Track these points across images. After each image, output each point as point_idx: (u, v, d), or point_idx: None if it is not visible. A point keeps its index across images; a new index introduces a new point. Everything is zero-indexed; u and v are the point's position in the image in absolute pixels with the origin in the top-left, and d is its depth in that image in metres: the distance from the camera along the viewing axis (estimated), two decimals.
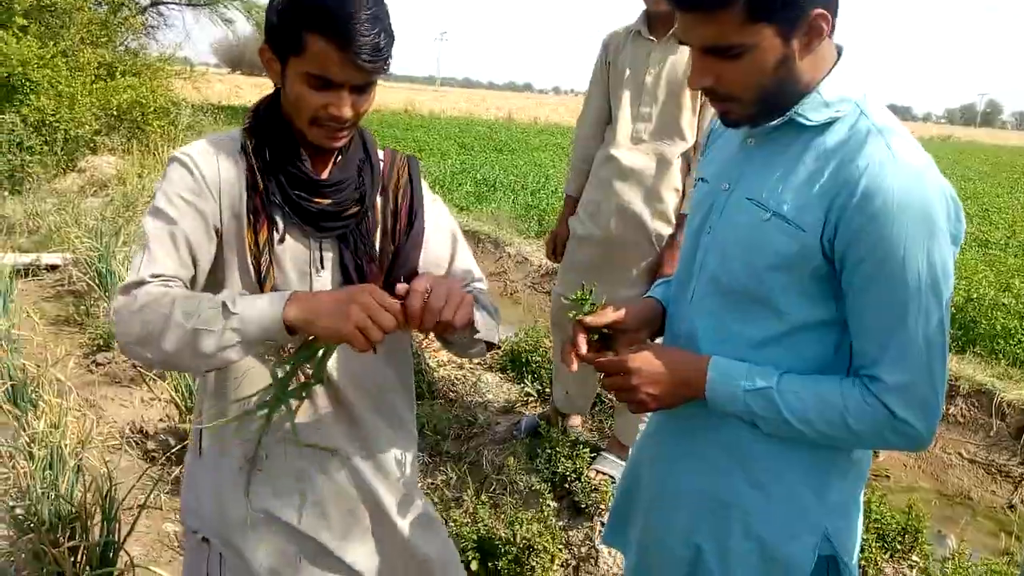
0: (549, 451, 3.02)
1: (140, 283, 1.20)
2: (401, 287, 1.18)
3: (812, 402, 1.16)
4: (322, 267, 1.35)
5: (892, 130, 1.13)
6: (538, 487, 2.85)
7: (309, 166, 1.32)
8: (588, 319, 1.28)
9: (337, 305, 1.13)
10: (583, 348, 1.27)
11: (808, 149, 1.16)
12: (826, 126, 1.16)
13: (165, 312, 1.15)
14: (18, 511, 2.39)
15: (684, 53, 2.64)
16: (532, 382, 3.79)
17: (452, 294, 1.19)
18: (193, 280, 1.29)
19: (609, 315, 1.29)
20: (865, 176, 1.08)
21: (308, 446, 1.38)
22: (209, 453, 1.43)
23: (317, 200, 1.31)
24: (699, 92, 2.65)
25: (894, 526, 2.81)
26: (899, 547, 2.79)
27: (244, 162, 1.31)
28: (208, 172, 1.29)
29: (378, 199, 1.42)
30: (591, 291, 1.24)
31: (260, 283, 1.30)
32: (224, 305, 1.14)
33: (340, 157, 1.37)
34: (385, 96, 34.90)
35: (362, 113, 1.29)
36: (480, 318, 1.33)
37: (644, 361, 1.23)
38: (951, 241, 1.11)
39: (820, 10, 1.09)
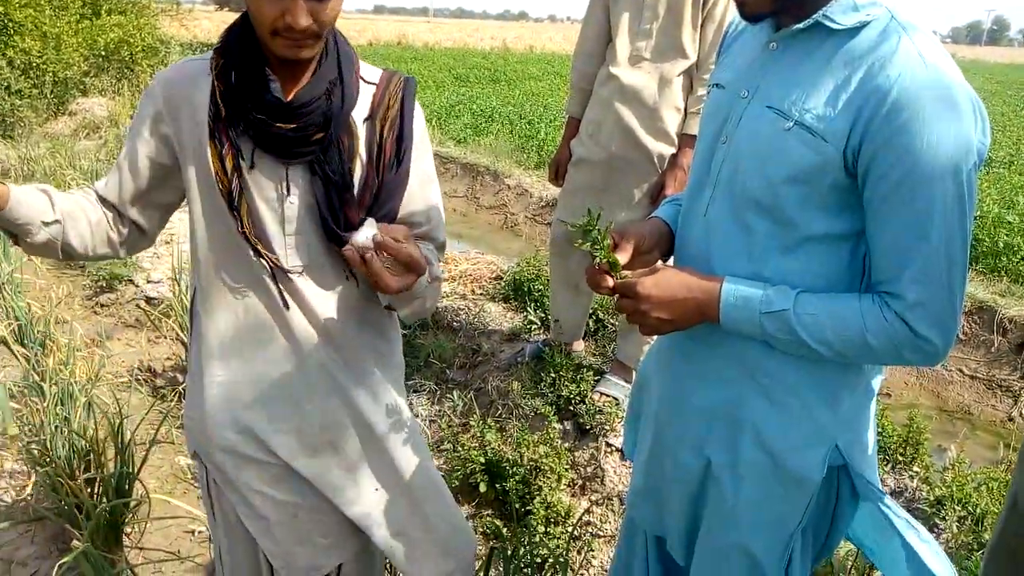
0: (553, 375, 3.05)
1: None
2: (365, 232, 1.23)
3: (830, 322, 1.13)
4: (288, 193, 1.31)
5: (924, 38, 1.07)
6: (543, 410, 2.89)
7: (278, 89, 1.27)
8: (617, 260, 1.23)
9: None
10: (610, 283, 1.23)
11: (835, 55, 1.11)
12: (855, 30, 1.10)
13: None
14: (33, 446, 2.43)
15: None
16: (535, 310, 3.80)
17: (408, 263, 1.22)
18: (136, 200, 1.39)
19: (628, 251, 1.26)
20: (896, 86, 1.03)
21: None
22: (193, 370, 1.44)
23: (280, 124, 1.26)
24: (700, 7, 2.58)
25: (895, 439, 2.86)
26: (900, 459, 2.85)
27: (210, 84, 1.28)
28: (167, 96, 1.30)
29: (362, 126, 1.35)
30: (597, 217, 1.21)
31: (233, 210, 1.29)
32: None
33: (312, 77, 1.29)
34: (377, 29, 34.14)
35: (325, 22, 1.21)
36: (418, 288, 1.33)
37: (655, 285, 1.20)
38: (977, 156, 1.07)
39: None
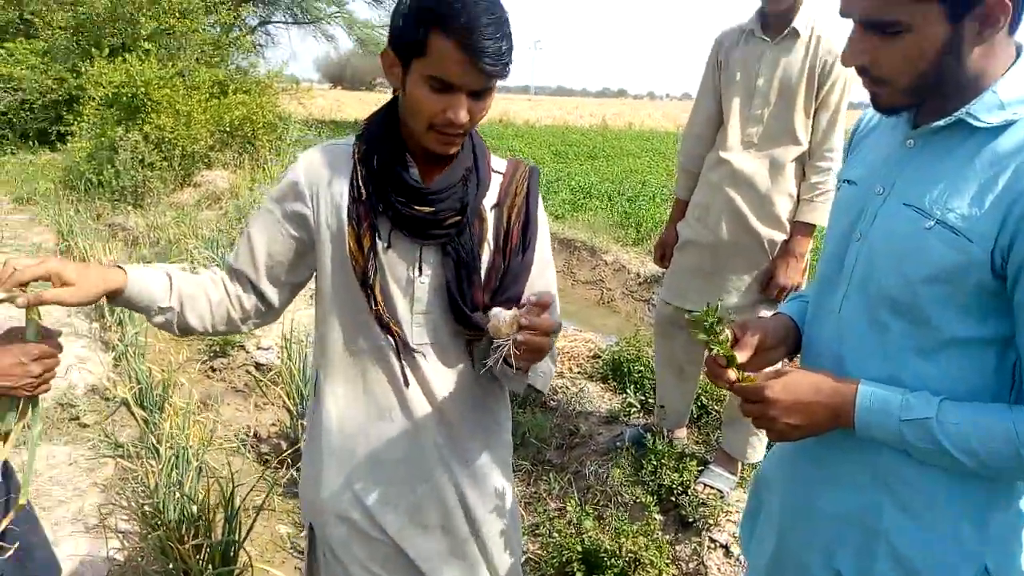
0: (654, 463, 2.97)
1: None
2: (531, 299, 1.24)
3: (977, 433, 1.06)
4: (420, 273, 1.37)
5: None
6: (643, 499, 2.80)
7: (416, 174, 1.35)
8: (735, 355, 1.20)
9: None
10: (731, 376, 1.20)
11: (980, 153, 1.07)
12: (1001, 129, 1.07)
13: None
14: (147, 508, 2.52)
15: (798, 54, 2.55)
16: (635, 392, 3.73)
17: (548, 333, 1.23)
18: (270, 275, 1.44)
19: (749, 345, 1.23)
20: None
21: None
22: (311, 438, 1.50)
23: (417, 207, 1.32)
24: (813, 94, 2.56)
25: None
26: None
27: (352, 168, 1.36)
28: (309, 178, 1.37)
29: (490, 212, 1.41)
30: (715, 310, 1.18)
31: (366, 288, 1.34)
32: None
33: (449, 166, 1.37)
34: None
35: (478, 119, 1.29)
36: (543, 365, 1.39)
37: (784, 389, 1.15)
38: None
39: None
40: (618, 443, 3.24)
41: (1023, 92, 1.07)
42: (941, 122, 1.10)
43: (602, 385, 4.00)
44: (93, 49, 10.87)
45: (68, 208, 7.71)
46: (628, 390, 3.78)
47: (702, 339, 1.18)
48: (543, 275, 1.48)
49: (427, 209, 1.33)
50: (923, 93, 1.10)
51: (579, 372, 4.20)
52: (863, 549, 1.21)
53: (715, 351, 1.19)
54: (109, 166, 9.02)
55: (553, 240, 8.08)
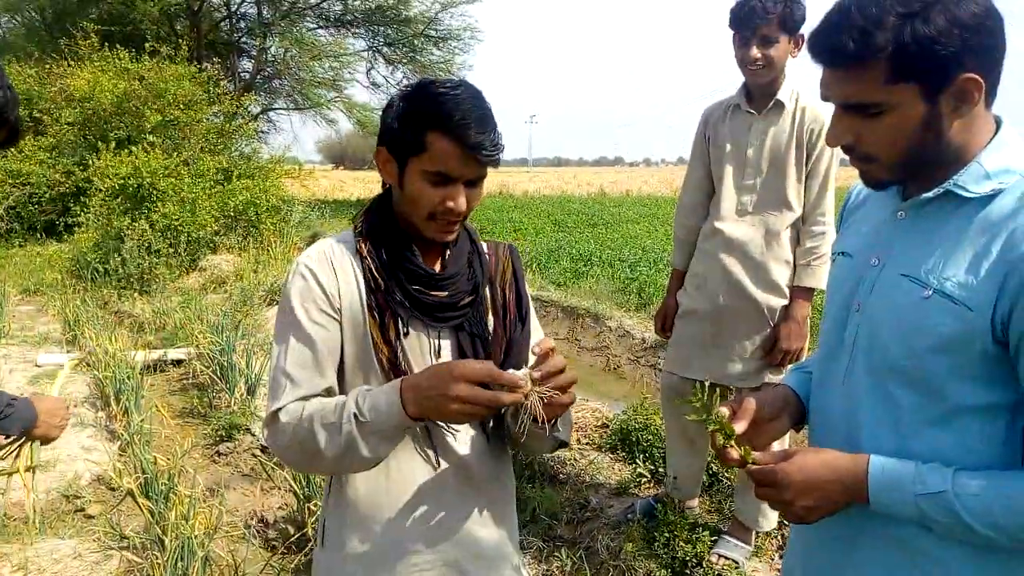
0: (667, 535, 2.92)
1: (279, 410, 1.31)
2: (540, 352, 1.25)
3: (999, 504, 1.04)
4: (439, 356, 1.40)
5: None
6: (658, 573, 2.74)
7: (420, 261, 1.39)
8: (732, 429, 1.20)
9: (439, 402, 1.17)
10: (734, 455, 1.20)
11: (971, 223, 1.10)
12: (989, 198, 1.10)
13: (309, 433, 1.26)
14: None
15: (785, 124, 2.62)
16: (644, 462, 3.69)
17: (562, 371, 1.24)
18: (331, 388, 1.37)
19: (745, 417, 1.23)
20: None
21: None
22: (331, 543, 1.46)
23: (434, 293, 1.38)
24: (803, 162, 2.62)
25: None
26: None
27: (360, 264, 1.38)
28: (329, 282, 1.36)
29: (487, 290, 1.48)
30: (705, 387, 1.20)
31: (397, 374, 1.35)
32: (356, 417, 1.23)
33: (448, 251, 1.44)
34: None
35: (474, 205, 1.36)
36: (565, 415, 1.38)
37: (797, 470, 1.14)
38: None
39: (971, 75, 1.05)
40: (629, 515, 3.19)
41: (1006, 162, 1.10)
42: (930, 194, 1.13)
43: (611, 455, 3.95)
44: (100, 142, 11.15)
45: (75, 297, 7.78)
46: (638, 460, 3.74)
47: (695, 419, 1.20)
48: (535, 338, 1.54)
49: (443, 294, 1.39)
50: (909, 168, 1.13)
51: (587, 443, 4.16)
52: None
53: (710, 428, 1.20)
54: (115, 255, 9.14)
55: (556, 308, 8.13)
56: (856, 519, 1.19)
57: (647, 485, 3.53)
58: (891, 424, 1.16)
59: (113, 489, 3.80)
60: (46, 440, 1.88)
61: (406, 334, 1.38)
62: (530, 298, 1.55)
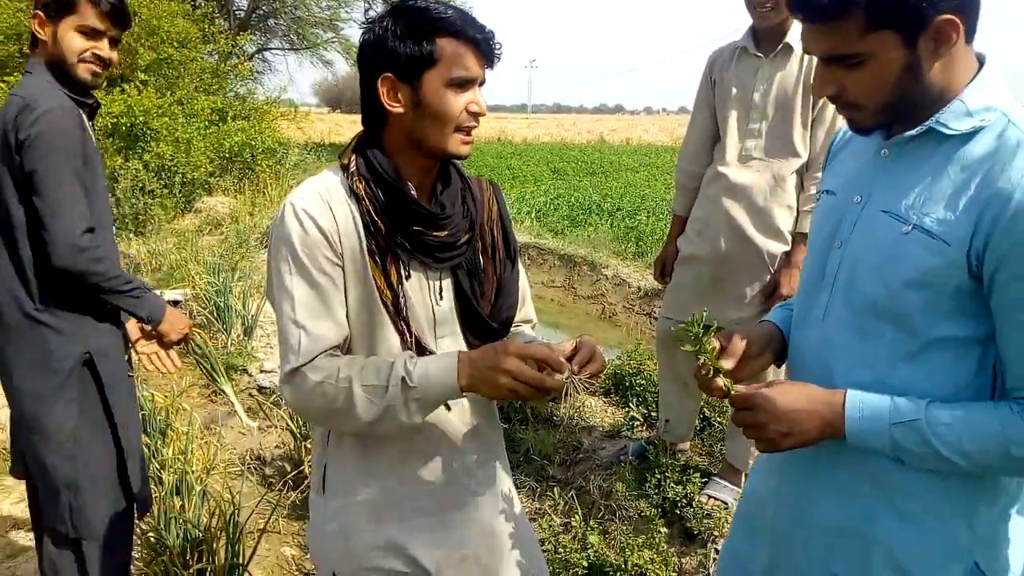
0: (658, 476, 2.96)
1: (303, 366, 1.27)
2: (567, 346, 1.28)
3: (967, 432, 1.09)
4: (441, 297, 1.39)
5: None
6: (648, 513, 2.80)
7: (417, 199, 1.35)
8: (720, 364, 1.23)
9: (491, 374, 1.21)
10: (720, 384, 1.23)
11: (951, 160, 1.12)
12: (969, 136, 1.12)
13: (345, 392, 1.25)
14: (150, 534, 2.52)
15: (792, 68, 2.58)
16: (637, 406, 3.73)
17: (603, 359, 1.30)
18: (348, 337, 1.34)
19: (735, 354, 1.26)
20: (1018, 188, 1.04)
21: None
22: (332, 491, 1.44)
23: (435, 234, 1.35)
24: (809, 107, 2.59)
25: None
26: None
27: (356, 205, 1.32)
28: (329, 226, 1.30)
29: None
30: (701, 320, 1.20)
31: (403, 320, 1.34)
32: (404, 381, 1.24)
33: (441, 187, 1.40)
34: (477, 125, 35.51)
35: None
36: None
37: (774, 398, 1.17)
38: None
39: (948, 16, 1.06)
40: (621, 457, 3.24)
41: (988, 100, 1.12)
42: (913, 132, 1.15)
43: (604, 400, 3.99)
44: None
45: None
46: (631, 404, 3.78)
47: (688, 350, 1.21)
48: (522, 281, 1.57)
49: (443, 234, 1.36)
50: (894, 112, 1.15)
51: (581, 387, 4.19)
52: (861, 558, 1.23)
53: (702, 360, 1.21)
54: (111, 195, 9.07)
55: (553, 256, 8.12)
56: (826, 454, 1.23)
57: (639, 428, 3.57)
58: (867, 359, 1.19)
59: None
60: (165, 342, 2.19)
61: (408, 276, 1.35)
62: (524, 244, 1.55)
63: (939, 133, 1.13)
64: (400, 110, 1.31)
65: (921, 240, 1.11)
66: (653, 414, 3.63)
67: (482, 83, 1.34)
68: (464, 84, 1.29)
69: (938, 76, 1.12)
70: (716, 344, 1.24)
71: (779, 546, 1.36)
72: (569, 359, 1.25)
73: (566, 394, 1.24)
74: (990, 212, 1.06)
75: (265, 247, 7.89)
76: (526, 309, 1.59)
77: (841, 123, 2.63)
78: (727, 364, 1.23)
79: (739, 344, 1.27)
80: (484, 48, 1.30)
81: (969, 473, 1.14)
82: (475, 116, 1.32)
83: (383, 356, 1.33)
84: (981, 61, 1.16)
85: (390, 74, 1.29)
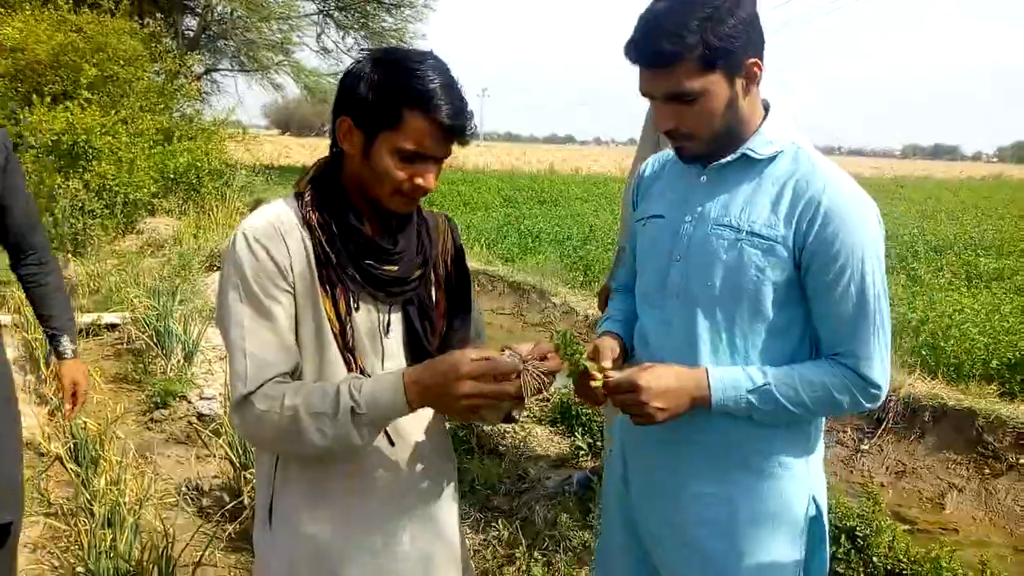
0: (600, 506, 2.97)
1: (251, 394, 1.25)
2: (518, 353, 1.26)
3: (803, 387, 1.37)
4: (388, 332, 1.38)
5: (825, 160, 1.41)
6: (592, 543, 2.80)
7: (368, 233, 1.34)
8: (606, 366, 1.42)
9: (445, 400, 1.21)
10: (600, 377, 1.38)
11: (763, 177, 1.41)
12: (772, 159, 1.41)
13: (291, 421, 1.23)
14: (79, 569, 2.43)
15: None
16: (583, 435, 3.75)
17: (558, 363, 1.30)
18: (298, 365, 1.32)
19: (609, 356, 1.47)
20: (824, 195, 1.34)
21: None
22: (280, 524, 1.41)
23: (386, 268, 1.34)
24: None
25: None
26: None
27: (308, 235, 1.32)
28: (281, 256, 1.29)
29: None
30: (566, 333, 1.36)
31: (348, 351, 1.33)
32: (353, 411, 1.21)
33: (396, 222, 1.39)
34: None
35: (436, 182, 1.34)
36: None
37: (653, 377, 1.36)
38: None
39: (753, 59, 1.34)
40: (566, 487, 3.24)
41: (779, 131, 1.42)
42: (730, 157, 1.42)
43: (551, 429, 4.00)
44: (34, 95, 10.67)
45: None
46: (576, 433, 3.79)
47: (565, 358, 1.33)
48: (475, 315, 1.57)
49: (395, 269, 1.36)
50: (717, 141, 1.40)
51: (527, 416, 4.20)
52: (727, 519, 1.46)
53: (581, 368, 1.36)
54: (47, 214, 8.80)
55: (503, 283, 8.14)
56: (684, 433, 1.46)
57: (585, 457, 3.58)
58: (716, 349, 1.43)
59: (41, 454, 3.69)
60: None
61: (356, 309, 1.34)
62: (474, 271, 1.56)
63: (750, 158, 1.41)
64: (352, 152, 1.32)
65: (755, 243, 1.37)
66: (599, 444, 3.65)
67: (444, 157, 1.32)
68: (415, 158, 1.27)
69: (746, 111, 1.39)
70: (592, 362, 1.39)
71: (646, 525, 1.58)
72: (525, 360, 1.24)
73: (524, 392, 1.23)
74: (805, 216, 1.35)
75: (209, 271, 7.76)
76: (481, 333, 1.60)
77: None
78: (606, 364, 1.42)
79: (606, 348, 1.50)
80: (454, 133, 1.28)
81: (800, 421, 1.44)
82: (419, 189, 1.30)
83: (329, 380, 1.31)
84: (766, 105, 1.44)
85: (349, 119, 1.30)
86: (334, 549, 1.39)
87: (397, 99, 1.24)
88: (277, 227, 1.31)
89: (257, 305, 1.27)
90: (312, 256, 1.31)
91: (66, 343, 2.19)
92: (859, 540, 2.86)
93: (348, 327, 1.32)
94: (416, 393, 1.21)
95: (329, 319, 1.31)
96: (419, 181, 1.29)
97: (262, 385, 1.25)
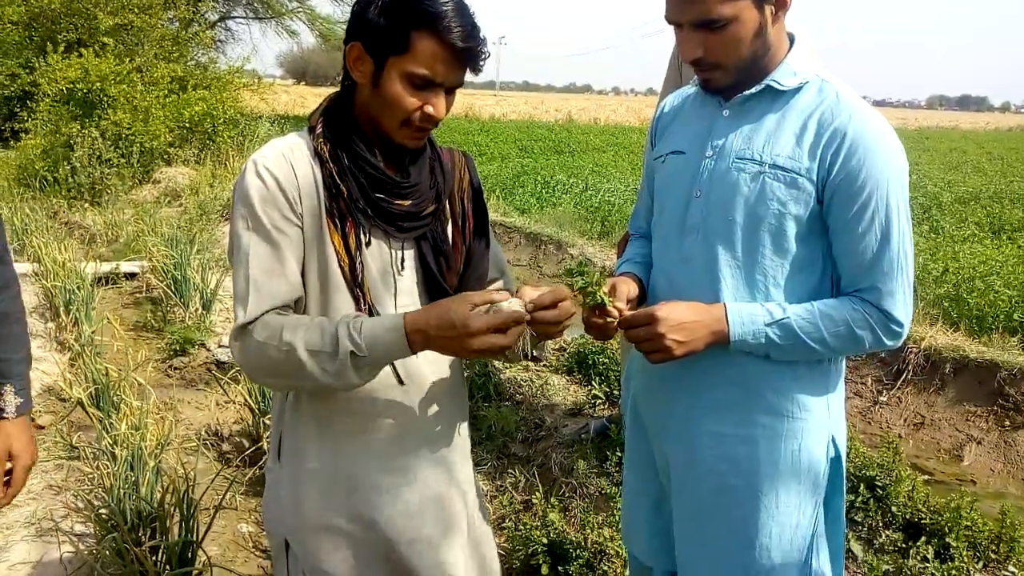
0: (619, 454, 2.97)
1: (250, 323, 1.23)
2: (530, 294, 1.23)
3: (823, 322, 1.35)
4: (403, 268, 1.36)
5: (851, 92, 1.37)
6: (608, 490, 2.81)
7: (382, 167, 1.31)
8: (620, 306, 1.38)
9: (452, 342, 1.17)
10: (616, 313, 1.35)
11: (788, 109, 1.37)
12: (797, 90, 1.37)
13: (288, 355, 1.19)
14: (102, 510, 2.47)
15: None
16: (600, 384, 3.74)
17: (570, 310, 1.25)
18: (300, 298, 1.30)
19: (625, 296, 1.42)
20: (849, 126, 1.31)
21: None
22: (287, 459, 1.42)
23: (398, 202, 1.31)
24: None
25: (986, 534, 2.68)
26: (993, 556, 2.66)
27: (319, 167, 1.29)
28: (290, 185, 1.26)
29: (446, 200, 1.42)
30: (584, 263, 1.33)
31: (357, 287, 1.30)
32: (352, 353, 1.18)
33: (410, 157, 1.36)
34: None
35: (446, 113, 1.29)
36: None
37: (671, 310, 1.34)
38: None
39: None
40: (583, 435, 3.25)
41: (806, 61, 1.39)
42: (753, 89, 1.38)
43: (567, 377, 4.00)
44: (48, 44, 10.60)
45: (23, 206, 7.51)
46: (593, 382, 3.79)
47: (580, 286, 1.32)
48: (495, 250, 1.53)
49: (407, 203, 1.32)
50: (744, 71, 1.37)
51: (544, 365, 4.20)
52: (748, 458, 1.44)
53: (599, 301, 1.33)
54: (65, 163, 8.82)
55: (519, 234, 8.09)
56: (696, 364, 1.41)
57: (601, 406, 3.58)
58: (736, 285, 1.40)
59: (63, 400, 3.74)
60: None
61: (368, 244, 1.32)
62: (490, 222, 1.52)
63: (774, 89, 1.37)
64: (362, 80, 1.28)
65: (777, 175, 1.34)
66: (615, 392, 3.65)
67: (456, 87, 1.27)
68: (426, 85, 1.23)
69: (774, 40, 1.36)
70: (606, 288, 1.36)
71: (664, 469, 1.57)
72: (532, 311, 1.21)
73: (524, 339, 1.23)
74: (830, 147, 1.32)
75: (226, 220, 7.75)
76: (508, 278, 1.56)
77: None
78: (620, 304, 1.38)
79: (624, 288, 1.44)
80: (466, 58, 1.23)
81: (821, 361, 1.42)
82: (430, 118, 1.26)
83: (340, 315, 1.28)
84: (791, 37, 1.41)
85: (359, 44, 1.25)
86: (340, 485, 1.38)
87: (407, 21, 1.19)
88: (287, 156, 1.29)
89: (264, 233, 1.25)
90: (322, 189, 1.29)
91: (8, 396, 1.47)
92: (878, 489, 2.85)
93: (358, 262, 1.30)
94: (419, 338, 1.18)
95: (338, 253, 1.29)
96: (429, 110, 1.25)
97: (263, 314, 1.23)
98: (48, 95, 9.83)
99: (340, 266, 1.29)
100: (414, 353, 1.20)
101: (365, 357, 1.18)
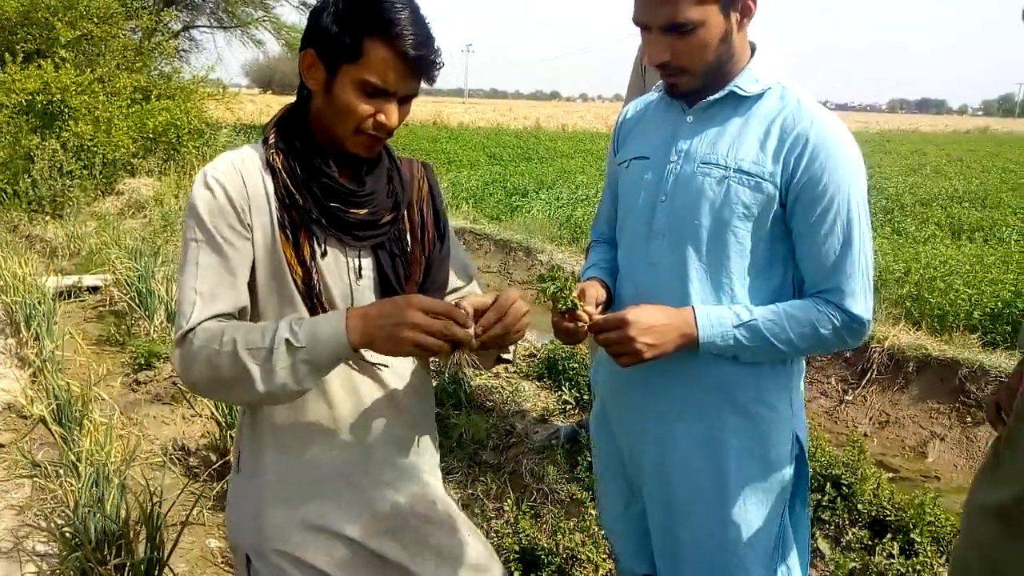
0: (590, 459, 2.98)
1: (191, 331, 1.20)
2: (472, 301, 1.19)
3: (789, 324, 1.38)
4: (360, 276, 1.35)
5: (811, 99, 1.40)
6: (579, 496, 2.82)
7: (336, 176, 1.30)
8: (590, 310, 1.40)
9: (393, 330, 1.12)
10: (585, 317, 1.37)
11: (751, 115, 1.40)
12: (759, 96, 1.40)
13: (229, 358, 1.15)
14: (66, 529, 2.42)
15: None
16: (570, 390, 3.75)
17: (520, 313, 1.21)
18: (245, 308, 1.28)
19: (594, 301, 1.45)
20: (812, 132, 1.34)
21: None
22: (246, 469, 1.41)
23: (353, 211, 1.31)
24: None
25: (949, 529, 2.73)
26: None
27: (271, 178, 1.28)
28: (239, 196, 1.25)
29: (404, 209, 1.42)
30: (556, 268, 1.30)
31: (314, 298, 1.29)
32: (288, 342, 1.14)
33: (366, 166, 1.35)
34: (414, 109, 35.07)
35: (402, 122, 1.29)
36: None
37: (641, 313, 1.35)
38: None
39: None
40: (553, 441, 3.26)
41: (767, 69, 1.42)
42: (717, 95, 1.41)
43: (537, 383, 4.01)
44: (6, 54, 10.41)
45: None
46: (563, 388, 3.80)
47: (552, 291, 1.33)
48: (459, 256, 1.52)
49: (362, 212, 1.31)
50: (709, 76, 1.39)
51: (515, 371, 4.20)
52: (718, 458, 1.47)
53: (571, 307, 1.35)
54: (25, 176, 8.65)
55: (489, 241, 8.10)
56: (664, 368, 1.43)
57: (572, 412, 3.60)
58: (702, 287, 1.42)
59: (24, 417, 3.66)
60: None
61: (323, 254, 1.31)
62: (460, 229, 1.52)
63: (737, 95, 1.40)
64: (315, 88, 1.28)
65: (742, 179, 1.37)
66: (585, 397, 3.66)
67: (409, 96, 1.27)
68: (378, 94, 1.23)
69: (738, 47, 1.38)
70: (576, 292, 1.38)
71: (634, 469, 1.59)
72: (477, 318, 1.17)
73: (465, 355, 1.20)
74: (793, 152, 1.35)
75: None
76: (471, 287, 1.54)
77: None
78: (590, 308, 1.40)
79: (592, 293, 1.47)
80: (418, 67, 1.22)
81: (784, 362, 1.46)
82: (382, 127, 1.25)
83: None
84: (752, 45, 1.43)
85: (312, 51, 1.25)
86: (299, 496, 1.37)
87: (359, 27, 1.19)
88: (237, 167, 1.27)
89: (212, 244, 1.23)
90: (273, 199, 1.28)
91: None
92: (844, 488, 2.90)
93: (313, 272, 1.29)
94: (359, 323, 1.14)
95: (290, 265, 1.27)
96: (381, 119, 1.24)
97: (203, 322, 1.20)
98: (7, 106, 9.64)
99: (293, 277, 1.28)
100: (353, 348, 1.15)
101: (302, 348, 1.14)
